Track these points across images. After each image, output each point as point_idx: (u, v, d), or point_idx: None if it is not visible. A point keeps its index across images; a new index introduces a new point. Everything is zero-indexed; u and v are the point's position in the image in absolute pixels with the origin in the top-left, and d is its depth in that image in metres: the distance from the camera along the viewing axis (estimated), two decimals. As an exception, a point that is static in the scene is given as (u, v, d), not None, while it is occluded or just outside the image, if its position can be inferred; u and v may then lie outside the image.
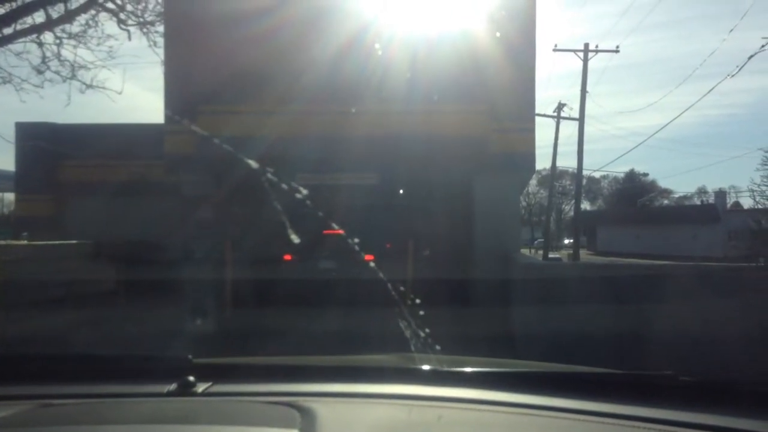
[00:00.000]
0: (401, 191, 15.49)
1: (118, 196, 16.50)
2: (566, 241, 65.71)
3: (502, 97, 12.91)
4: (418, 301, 2.30)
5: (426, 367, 1.91)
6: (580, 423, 1.50)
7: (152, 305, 11.27)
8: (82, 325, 10.28)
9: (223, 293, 11.93)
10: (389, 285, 2.39)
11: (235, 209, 15.43)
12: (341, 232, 14.42)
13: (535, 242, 55.04)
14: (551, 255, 35.62)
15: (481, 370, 1.91)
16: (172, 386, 1.70)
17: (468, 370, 1.91)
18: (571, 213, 72.19)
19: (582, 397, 1.64)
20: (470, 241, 13.05)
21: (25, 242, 13.95)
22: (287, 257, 13.42)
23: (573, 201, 71.15)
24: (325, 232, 14.35)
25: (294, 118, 12.64)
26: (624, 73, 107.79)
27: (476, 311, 9.66)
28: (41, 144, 18.23)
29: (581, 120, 24.24)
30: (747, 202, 62.70)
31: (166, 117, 13.27)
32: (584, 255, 36.70)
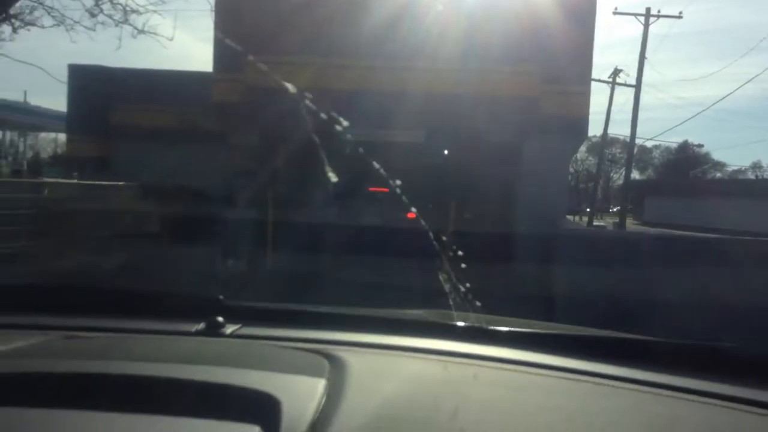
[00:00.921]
0: (447, 151, 15.32)
1: (166, 141, 16.66)
2: (612, 210, 64.60)
3: (558, 58, 12.53)
4: (460, 253, 2.12)
5: (463, 324, 1.84)
6: (625, 391, 1.44)
7: (194, 248, 11.43)
8: (126, 265, 10.49)
9: (266, 241, 12.01)
10: (431, 235, 2.22)
11: (281, 160, 15.46)
12: (386, 189, 14.42)
13: (581, 209, 54.17)
14: (596, 223, 35.00)
15: (519, 330, 1.84)
16: (201, 326, 1.67)
17: (505, 329, 1.84)
18: (619, 181, 70.87)
19: (620, 363, 1.57)
20: (515, 205, 12.85)
21: (75, 181, 14.24)
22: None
23: (622, 169, 69.80)
24: (372, 188, 14.36)
25: (344, 72, 12.50)
26: (685, 40, 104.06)
27: (519, 270, 9.49)
28: (93, 86, 18.46)
29: (638, 86, 23.47)
30: (805, 180, 60.46)
31: (215, 65, 13.24)
32: (630, 224, 35.94)
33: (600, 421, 1.29)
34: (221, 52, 13.21)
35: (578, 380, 1.49)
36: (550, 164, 12.63)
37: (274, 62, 12.71)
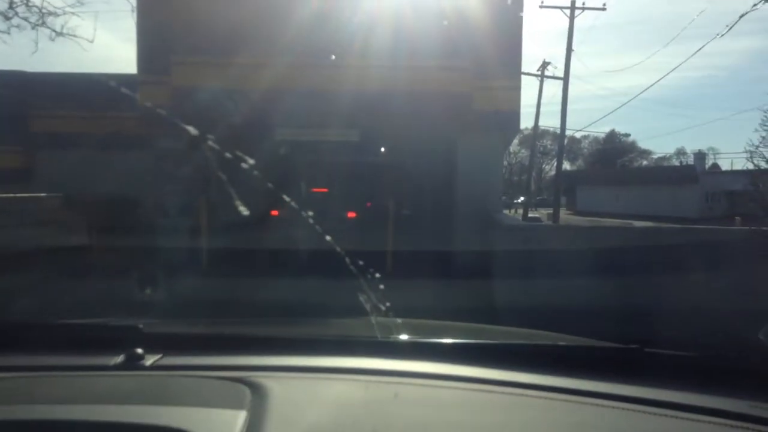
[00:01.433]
0: (383, 149, 15.22)
1: (91, 149, 16.02)
2: (542, 198, 65.98)
3: (487, 53, 12.55)
4: (378, 275, 2.15)
5: (380, 338, 1.84)
6: (540, 400, 1.46)
7: (119, 265, 10.97)
8: (39, 286, 9.92)
9: (197, 254, 11.63)
10: (346, 258, 2.32)
11: (211, 165, 14.99)
12: (326, 190, 14.28)
13: (515, 202, 55.10)
14: (531, 215, 35.61)
15: (437, 342, 1.86)
16: (119, 359, 1.63)
17: (426, 341, 1.86)
18: (551, 173, 72.50)
19: (543, 371, 1.58)
20: (452, 201, 12.84)
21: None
22: (274, 212, 13.28)
23: (553, 161, 71.42)
24: (313, 189, 14.17)
25: (274, 72, 12.20)
26: (610, 32, 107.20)
27: (458, 279, 9.45)
28: (10, 93, 17.54)
29: (566, 79, 23.91)
30: (725, 164, 63.34)
31: (139, 67, 12.74)
32: (563, 215, 36.72)
33: None
34: (145, 53, 12.71)
35: (497, 392, 1.49)
36: (485, 158, 12.67)
37: (199, 63, 12.33)
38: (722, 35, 20.94)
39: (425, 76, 12.42)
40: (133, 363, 1.61)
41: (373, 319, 1.95)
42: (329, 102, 12.13)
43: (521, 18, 12.99)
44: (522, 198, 50.06)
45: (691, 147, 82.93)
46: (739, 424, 1.34)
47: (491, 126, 12.51)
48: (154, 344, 1.70)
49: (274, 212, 13.26)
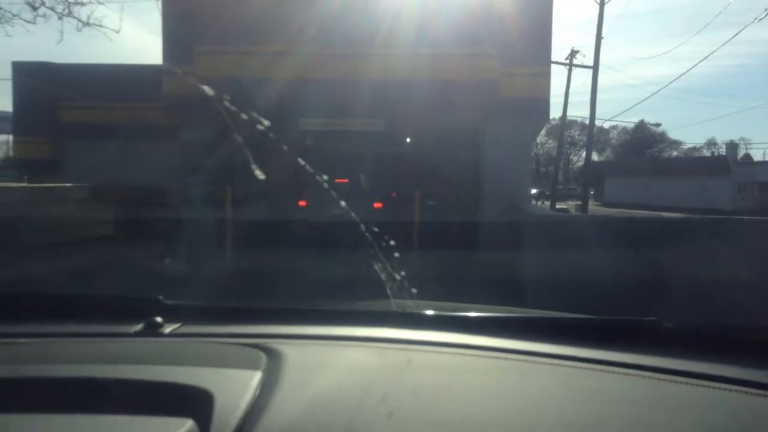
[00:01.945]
0: (408, 138, 15.08)
1: (119, 139, 16.11)
2: (573, 190, 65.26)
3: (516, 40, 12.32)
4: (392, 242, 2.36)
5: (396, 310, 1.88)
6: (556, 368, 1.47)
7: (149, 251, 11.06)
8: (75, 270, 10.07)
9: (223, 240, 11.64)
10: (362, 227, 2.48)
11: (237, 155, 14.99)
12: (348, 180, 14.20)
13: (538, 193, 54.54)
14: (558, 206, 35.19)
15: (450, 315, 1.89)
16: (139, 326, 1.68)
17: (437, 313, 1.89)
18: (578, 164, 71.59)
19: (560, 342, 1.61)
20: (479, 191, 12.65)
21: (19, 184, 13.61)
22: (302, 203, 13.30)
23: (581, 152, 70.50)
24: (337, 180, 14.14)
25: (298, 61, 12.11)
26: (639, 21, 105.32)
27: (485, 256, 9.33)
28: (40, 84, 17.69)
29: (595, 67, 23.44)
30: (757, 154, 62.00)
31: (165, 57, 12.72)
32: (592, 206, 36.24)
33: (531, 397, 1.31)
34: (171, 44, 12.69)
35: (513, 359, 1.51)
36: (513, 148, 12.44)
37: (225, 52, 12.28)
38: (760, 19, 20.16)
39: (451, 64, 12.22)
40: (152, 330, 1.66)
41: (392, 299, 1.97)
42: (354, 91, 12.01)
43: (551, 4, 12.70)
44: (542, 190, 49.54)
45: (722, 137, 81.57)
46: (759, 392, 1.34)
47: (519, 114, 12.28)
48: (174, 315, 1.76)
49: (302, 203, 13.28)
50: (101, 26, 13.35)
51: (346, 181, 14.20)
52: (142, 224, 13.39)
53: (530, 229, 8.48)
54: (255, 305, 2.02)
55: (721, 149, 64.47)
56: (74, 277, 9.73)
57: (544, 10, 12.72)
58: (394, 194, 14.99)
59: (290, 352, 1.48)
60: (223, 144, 13.29)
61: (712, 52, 49.79)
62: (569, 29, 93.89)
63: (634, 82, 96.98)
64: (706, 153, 70.79)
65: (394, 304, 1.96)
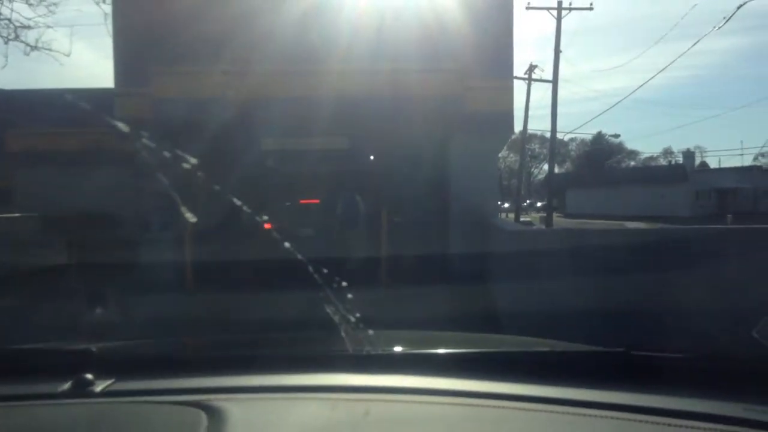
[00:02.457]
0: (372, 156, 14.83)
1: (70, 166, 15.59)
2: (538, 204, 65.85)
3: (478, 53, 12.17)
4: (344, 283, 2.02)
5: (351, 352, 1.74)
6: (521, 412, 1.39)
7: (97, 285, 10.58)
8: (17, 309, 9.49)
9: (178, 271, 11.16)
10: (310, 267, 2.13)
11: (195, 179, 14.55)
12: (317, 201, 13.89)
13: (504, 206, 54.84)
14: (522, 219, 35.29)
15: (409, 353, 1.79)
16: (67, 385, 1.52)
17: (397, 353, 1.78)
18: (539, 177, 72.38)
19: (523, 380, 1.51)
20: (447, 206, 12.42)
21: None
22: (268, 225, 12.85)
23: (541, 165, 71.30)
24: (302, 201, 13.82)
25: (256, 79, 11.77)
26: (594, 35, 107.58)
27: (457, 286, 9.10)
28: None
29: (555, 81, 23.59)
30: (712, 162, 63.48)
31: (117, 79, 12.25)
32: (555, 218, 36.41)
33: None
34: (123, 65, 12.23)
35: (475, 405, 1.42)
36: (479, 162, 12.25)
37: (181, 72, 11.88)
38: (720, 27, 20.46)
39: (413, 79, 11.99)
40: (82, 390, 1.51)
41: (343, 331, 1.82)
42: (315, 109, 11.70)
43: (511, 17, 12.63)
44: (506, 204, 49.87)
45: (677, 146, 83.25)
46: (735, 429, 1.27)
47: (484, 128, 12.10)
48: (107, 368, 1.60)
49: (268, 225, 12.85)
50: (50, 50, 12.85)
51: (313, 201, 13.88)
52: (94, 252, 12.84)
53: (503, 245, 8.21)
54: (194, 353, 1.93)
55: (677, 158, 65.75)
56: (22, 312, 9.20)
57: (504, 24, 12.62)
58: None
59: (233, 410, 1.35)
60: (180, 169, 12.85)
61: (669, 63, 50.92)
62: (526, 45, 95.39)
63: (592, 95, 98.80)
64: (663, 162, 72.18)
65: (346, 338, 1.79)
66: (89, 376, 1.54)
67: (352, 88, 11.75)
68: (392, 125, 12.19)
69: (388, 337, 1.94)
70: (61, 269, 11.68)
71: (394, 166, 13.51)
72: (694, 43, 62.87)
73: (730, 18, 21.86)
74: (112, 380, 1.56)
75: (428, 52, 11.98)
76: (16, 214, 12.20)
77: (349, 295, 1.97)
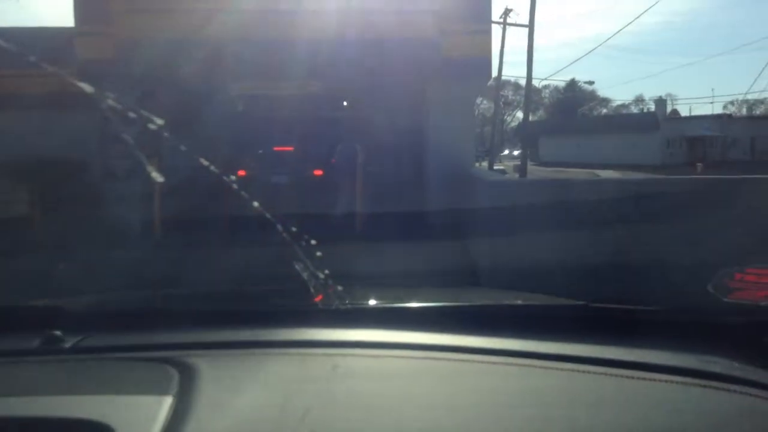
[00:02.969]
0: (346, 102, 14.46)
1: (29, 111, 14.94)
2: (507, 152, 65.87)
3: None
4: (313, 241, 1.98)
5: (320, 306, 1.74)
6: (492, 366, 1.41)
7: (61, 232, 10.25)
8: None
9: (146, 222, 10.82)
10: (278, 224, 2.03)
11: (161, 127, 14.10)
12: (290, 148, 13.55)
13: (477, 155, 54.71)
14: (496, 167, 35.21)
15: (378, 307, 1.81)
16: (34, 342, 1.51)
17: (365, 307, 1.79)
18: (512, 124, 72.16)
19: (488, 333, 1.53)
20: (423, 154, 12.18)
21: None
22: (241, 173, 12.59)
23: (515, 112, 71.01)
24: (276, 148, 13.50)
25: (225, 20, 11.22)
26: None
27: (434, 240, 8.97)
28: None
29: (531, 26, 23.10)
30: (683, 110, 63.86)
31: (77, 17, 11.60)
32: (528, 167, 36.41)
33: (466, 404, 1.24)
34: (84, 2, 11.57)
35: (442, 359, 1.44)
36: (456, 109, 11.95)
37: (146, 10, 11.30)
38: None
39: (388, 21, 11.54)
40: (50, 346, 1.49)
41: (312, 287, 1.79)
42: (287, 52, 11.25)
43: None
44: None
45: (649, 94, 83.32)
46: (690, 380, 1.32)
47: (461, 74, 11.76)
48: (75, 324, 1.58)
49: (241, 172, 12.60)
50: None
51: (287, 149, 13.54)
52: (59, 202, 12.47)
53: (482, 196, 7.96)
54: (164, 308, 1.90)
55: (649, 106, 65.94)
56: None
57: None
58: (333, 161, 14.44)
59: (204, 366, 1.36)
60: (144, 113, 12.35)
61: (648, 9, 50.20)
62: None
63: (566, 41, 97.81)
64: (635, 110, 72.35)
65: (318, 300, 1.78)
66: (58, 332, 1.50)
67: (325, 29, 11.28)
68: (365, 70, 11.82)
69: (358, 291, 1.93)
70: (20, 220, 11.29)
71: (368, 112, 13.19)
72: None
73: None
74: (82, 336, 1.54)
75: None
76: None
77: (318, 253, 1.94)
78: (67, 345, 1.50)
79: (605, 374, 1.34)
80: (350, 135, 13.66)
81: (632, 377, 1.33)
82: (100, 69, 11.49)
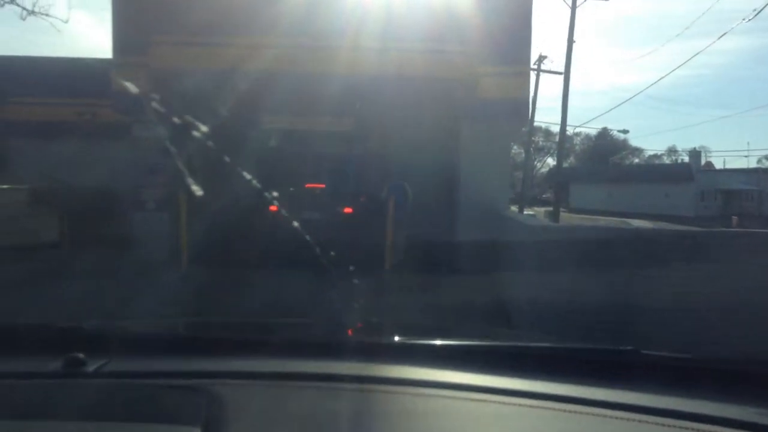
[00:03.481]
0: (379, 140, 14.31)
1: (67, 138, 15.12)
2: (540, 197, 65.38)
3: (494, 36, 11.58)
4: (347, 276, 2.14)
5: (351, 341, 1.72)
6: (529, 409, 1.35)
7: (91, 261, 10.20)
8: (9, 282, 9.12)
9: (177, 250, 10.70)
10: (318, 250, 2.14)
11: (195, 156, 14.08)
12: (322, 185, 13.39)
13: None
14: (526, 212, 34.75)
15: (418, 344, 1.74)
16: (58, 364, 1.43)
17: (400, 342, 1.74)
18: (542, 170, 71.69)
19: (531, 376, 1.47)
20: (455, 195, 11.89)
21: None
22: (273, 208, 12.49)
23: (545, 158, 70.69)
24: (307, 185, 13.36)
25: (260, 54, 11.19)
26: (609, 27, 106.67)
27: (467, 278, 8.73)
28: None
29: (567, 72, 22.95)
30: (717, 163, 62.95)
31: (115, 48, 11.67)
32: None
33: None
34: (122, 34, 11.64)
35: (483, 400, 1.38)
36: (492, 151, 11.70)
37: (181, 43, 11.32)
38: (750, 19, 19.67)
39: (425, 61, 11.40)
40: (72, 369, 1.44)
41: (346, 318, 1.83)
42: (322, 88, 11.16)
43: (530, 0, 12.00)
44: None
45: (681, 145, 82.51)
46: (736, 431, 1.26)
47: (498, 115, 11.54)
48: (99, 347, 1.53)
49: (273, 208, 12.46)
50: (47, 15, 12.32)
51: (319, 186, 13.38)
52: (90, 229, 12.45)
53: (522, 241, 7.54)
54: (193, 334, 1.84)
55: (682, 157, 65.23)
56: (8, 290, 8.71)
57: (523, 7, 12.00)
58: (363, 198, 14.24)
59: (233, 397, 1.32)
60: (178, 144, 12.32)
61: (685, 62, 50.16)
62: (534, 35, 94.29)
63: (599, 89, 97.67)
64: (667, 161, 71.68)
65: (352, 332, 1.77)
66: (80, 355, 1.45)
67: (361, 67, 11.19)
68: (401, 108, 11.65)
69: (389, 326, 1.89)
70: (50, 247, 11.23)
71: (402, 150, 13.02)
72: (719, 37, 62.01)
73: (760, 11, 21.00)
74: (105, 360, 1.49)
75: (439, 33, 11.39)
76: (7, 186, 11.71)
77: (355, 281, 2.04)
78: (90, 369, 1.44)
79: (663, 425, 1.28)
80: (381, 173, 13.49)
81: (689, 429, 1.27)
82: (135, 99, 11.51)
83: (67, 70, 16.03)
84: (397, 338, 1.78)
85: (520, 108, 11.91)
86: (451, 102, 11.53)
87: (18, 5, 12.17)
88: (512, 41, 11.81)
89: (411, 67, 11.27)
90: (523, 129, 42.24)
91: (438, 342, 1.72)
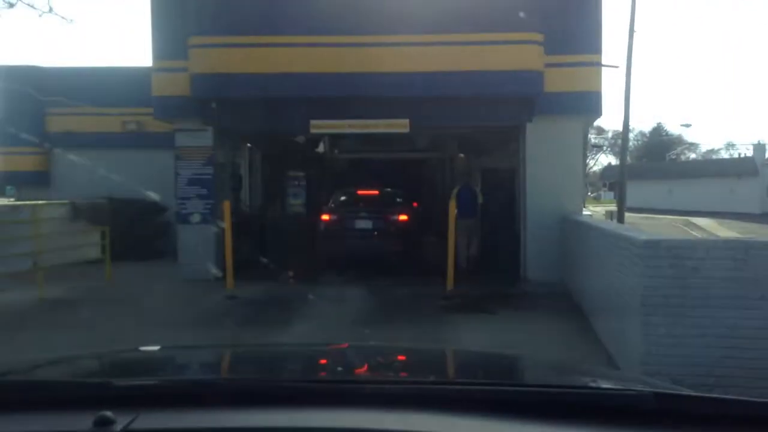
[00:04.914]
0: (436, 142, 13.45)
1: (111, 148, 14.74)
2: (591, 195, 63.73)
3: (563, 23, 10.54)
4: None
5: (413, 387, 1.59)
6: None
7: (135, 279, 9.75)
8: (57, 303, 8.90)
9: (222, 264, 10.08)
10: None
11: (239, 165, 13.47)
12: (376, 192, 12.65)
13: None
14: (584, 212, 33.45)
15: (429, 388, 1.61)
16: (86, 425, 1.33)
17: (412, 389, 1.58)
18: (595, 168, 69.87)
19: (543, 421, 1.35)
20: (523, 198, 10.91)
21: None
22: (325, 217, 11.91)
23: (598, 155, 68.81)
24: (360, 192, 12.80)
25: (309, 53, 10.42)
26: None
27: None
28: (26, 89, 16.13)
29: (628, 65, 21.63)
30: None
31: (154, 53, 11.04)
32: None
33: None
34: (161, 35, 11.01)
35: None
36: (563, 148, 10.67)
37: (225, 44, 10.64)
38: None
39: (485, 52, 10.41)
40: (99, 429, 1.31)
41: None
42: (373, 86, 10.32)
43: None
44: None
45: (738, 140, 79.41)
46: None
47: (568, 109, 10.50)
48: (129, 402, 1.43)
49: (324, 217, 11.88)
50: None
51: (373, 192, 12.66)
52: (132, 244, 11.93)
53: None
54: (221, 382, 1.81)
55: (741, 151, 62.43)
56: (56, 310, 8.58)
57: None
58: (415, 204, 13.44)
59: None
60: (224, 150, 11.67)
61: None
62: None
63: (653, 83, 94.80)
64: (724, 155, 69.00)
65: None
66: (109, 413, 1.33)
67: (414, 62, 10.29)
68: (460, 106, 10.71)
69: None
70: (97, 261, 10.79)
71: (463, 152, 12.13)
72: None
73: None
74: (133, 417, 1.37)
75: (507, 21, 10.40)
76: (51, 202, 11.27)
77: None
78: (118, 428, 1.32)
79: None
80: (438, 177, 12.69)
81: None
82: (176, 106, 10.88)
83: (114, 79, 15.67)
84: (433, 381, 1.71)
85: (594, 100, 10.80)
86: (513, 96, 10.50)
87: (57, 15, 11.92)
88: (582, 29, 10.75)
89: (473, 58, 10.31)
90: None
91: (456, 387, 1.65)
